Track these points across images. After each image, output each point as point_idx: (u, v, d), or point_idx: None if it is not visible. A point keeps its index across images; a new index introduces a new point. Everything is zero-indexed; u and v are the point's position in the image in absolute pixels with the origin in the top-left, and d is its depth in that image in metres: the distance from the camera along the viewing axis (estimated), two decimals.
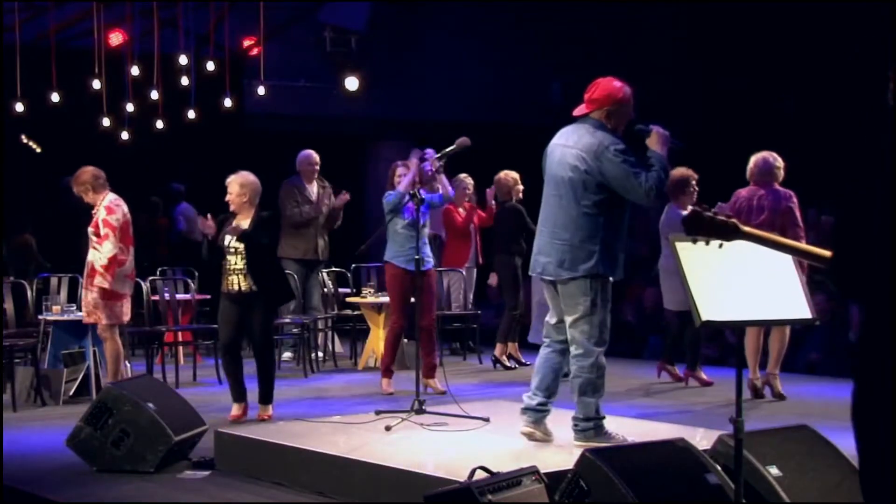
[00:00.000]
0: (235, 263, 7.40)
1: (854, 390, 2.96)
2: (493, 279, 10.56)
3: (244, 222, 7.45)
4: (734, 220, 3.49)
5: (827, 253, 3.39)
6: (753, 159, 8.54)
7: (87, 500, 5.53)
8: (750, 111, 15.43)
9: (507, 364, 10.20)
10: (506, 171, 10.17)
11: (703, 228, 3.50)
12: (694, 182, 9.03)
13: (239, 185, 7.49)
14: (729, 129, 15.51)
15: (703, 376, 9.01)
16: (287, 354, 10.70)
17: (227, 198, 7.50)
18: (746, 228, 3.50)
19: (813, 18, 13.90)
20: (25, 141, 12.96)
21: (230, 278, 7.43)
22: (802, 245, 3.55)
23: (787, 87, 15.18)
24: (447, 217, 10.79)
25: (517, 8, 14.96)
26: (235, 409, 7.55)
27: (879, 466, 2.87)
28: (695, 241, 3.59)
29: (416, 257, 7.39)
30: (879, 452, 2.87)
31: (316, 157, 10.78)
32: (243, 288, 7.40)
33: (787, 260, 3.96)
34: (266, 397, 7.55)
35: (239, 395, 7.57)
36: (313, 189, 10.68)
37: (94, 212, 8.09)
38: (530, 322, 10.09)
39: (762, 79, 15.12)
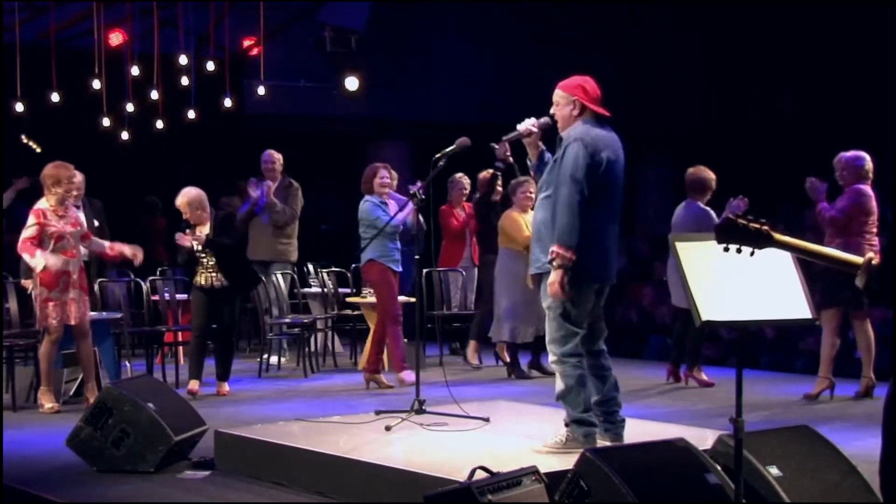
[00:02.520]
0: (207, 263, 8.57)
1: (891, 387, 3.01)
2: None
3: (205, 229, 8.58)
4: (767, 228, 3.46)
5: (858, 259, 3.39)
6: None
7: (87, 500, 5.53)
8: (748, 111, 15.45)
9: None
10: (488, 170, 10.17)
11: (736, 236, 3.46)
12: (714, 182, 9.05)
13: (187, 204, 8.58)
14: (728, 128, 15.54)
15: (704, 377, 9.02)
16: (273, 358, 10.56)
17: (186, 216, 8.56)
18: (778, 236, 3.47)
19: (811, 18, 13.92)
20: (25, 141, 12.96)
21: (204, 275, 8.60)
22: (834, 252, 3.51)
23: (785, 86, 15.20)
24: (443, 219, 10.79)
25: (517, 8, 14.96)
26: (195, 385, 8.62)
27: None
28: (726, 249, 3.52)
29: (417, 256, 7.39)
30: None
31: (271, 156, 10.58)
32: (215, 284, 8.58)
33: (788, 259, 3.96)
34: (226, 375, 8.84)
35: (199, 374, 8.71)
36: (252, 189, 10.45)
37: (75, 214, 8.16)
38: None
39: (761, 79, 15.14)
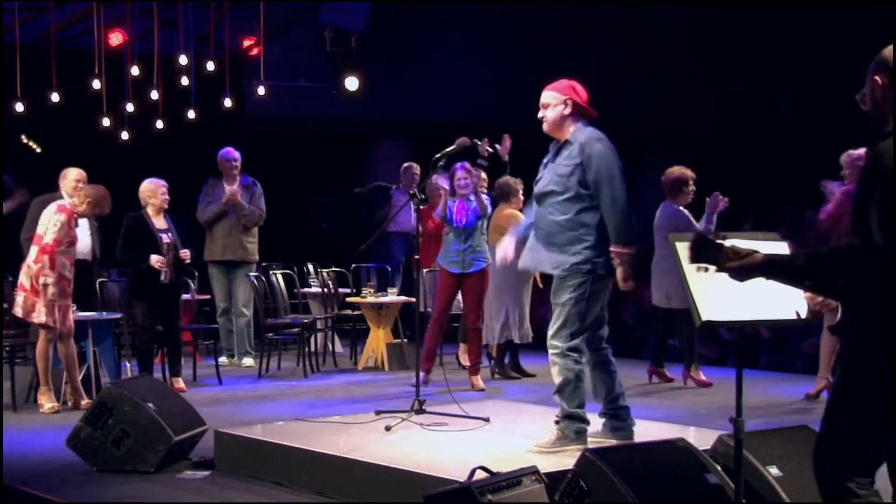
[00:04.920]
0: (168, 257, 8.79)
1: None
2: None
3: (160, 219, 8.99)
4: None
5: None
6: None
7: (87, 500, 5.53)
8: (748, 111, 15.45)
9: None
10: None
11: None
12: (691, 181, 9.01)
13: (159, 190, 9.03)
14: (727, 128, 15.55)
15: (702, 377, 9.02)
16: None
17: (167, 199, 9.04)
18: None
19: (811, 19, 13.91)
20: (25, 141, 12.94)
21: (164, 270, 8.78)
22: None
23: (785, 87, 15.20)
24: (423, 218, 10.77)
25: (517, 8, 14.95)
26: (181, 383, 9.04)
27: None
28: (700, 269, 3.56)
29: (416, 256, 7.36)
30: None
31: (234, 154, 10.59)
32: (172, 279, 8.86)
33: None
34: (179, 371, 9.15)
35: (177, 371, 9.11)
36: (231, 187, 10.44)
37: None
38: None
39: (760, 79, 15.14)
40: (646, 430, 5.82)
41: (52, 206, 8.09)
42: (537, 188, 5.75)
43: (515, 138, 9.29)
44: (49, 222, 7.95)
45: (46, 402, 8.02)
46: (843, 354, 3.47)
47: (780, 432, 5.01)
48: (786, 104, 15.42)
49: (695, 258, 3.49)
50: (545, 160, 5.77)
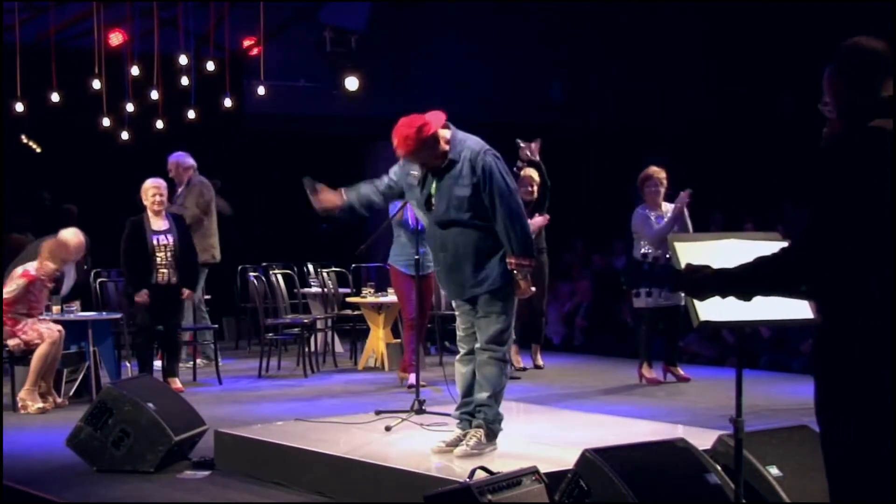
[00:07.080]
0: (165, 259, 8.79)
1: (816, 388, 3.02)
2: None
3: (160, 221, 8.85)
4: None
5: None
6: None
7: (87, 500, 5.54)
8: (749, 111, 15.45)
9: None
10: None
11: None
12: (658, 179, 9.03)
13: (165, 189, 9.00)
14: (727, 128, 15.54)
15: (653, 374, 9.09)
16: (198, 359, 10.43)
17: (159, 200, 8.86)
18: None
19: (812, 19, 13.92)
20: (25, 141, 12.95)
21: (161, 272, 8.76)
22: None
23: (786, 87, 15.20)
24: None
25: (517, 8, 14.96)
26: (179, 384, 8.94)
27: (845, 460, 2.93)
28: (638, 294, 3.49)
29: (416, 257, 7.36)
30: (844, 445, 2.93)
31: (178, 159, 10.42)
32: (172, 280, 8.82)
33: None
34: (175, 371, 9.07)
35: (151, 370, 8.83)
36: (182, 191, 10.30)
37: None
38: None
39: (761, 79, 15.14)
40: (646, 430, 5.82)
41: (19, 270, 8.29)
42: (436, 216, 5.51)
43: (515, 136, 9.30)
44: (12, 283, 8.19)
45: (32, 403, 8.02)
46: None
47: (780, 432, 5.01)
48: (786, 104, 15.41)
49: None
50: (417, 180, 5.58)
